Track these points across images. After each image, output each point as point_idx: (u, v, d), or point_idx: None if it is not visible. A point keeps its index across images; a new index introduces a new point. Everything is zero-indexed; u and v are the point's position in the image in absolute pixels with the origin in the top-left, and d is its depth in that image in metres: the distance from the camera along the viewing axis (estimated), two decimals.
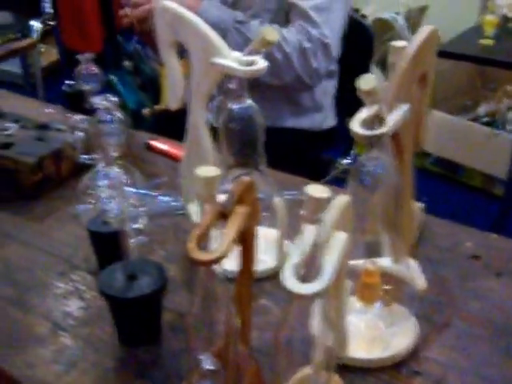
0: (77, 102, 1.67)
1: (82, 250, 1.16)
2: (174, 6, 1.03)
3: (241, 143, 1.02)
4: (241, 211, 0.71)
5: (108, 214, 0.87)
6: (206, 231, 0.69)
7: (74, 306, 1.04)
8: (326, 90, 1.93)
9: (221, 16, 1.60)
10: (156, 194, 1.23)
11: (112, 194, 0.84)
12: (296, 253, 0.65)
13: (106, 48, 1.46)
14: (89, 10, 4.70)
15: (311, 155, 1.98)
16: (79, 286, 1.08)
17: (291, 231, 1.06)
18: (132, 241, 1.06)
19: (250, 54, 0.97)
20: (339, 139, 2.06)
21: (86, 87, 1.07)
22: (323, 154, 2.06)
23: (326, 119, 1.96)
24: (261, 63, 0.95)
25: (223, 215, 0.71)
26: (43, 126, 1.43)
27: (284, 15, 1.72)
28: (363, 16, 3.22)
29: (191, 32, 0.99)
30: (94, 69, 1.06)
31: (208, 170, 0.67)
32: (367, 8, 3.46)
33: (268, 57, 1.48)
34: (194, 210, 1.10)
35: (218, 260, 0.67)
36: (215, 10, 1.61)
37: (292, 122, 1.86)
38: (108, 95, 0.88)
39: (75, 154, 1.05)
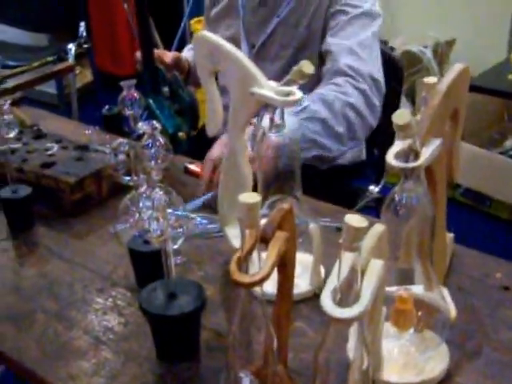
0: (114, 125, 1.73)
1: (121, 268, 1.20)
2: (212, 36, 1.08)
3: (277, 170, 1.07)
4: (281, 236, 0.75)
5: (150, 234, 0.91)
6: (247, 255, 0.73)
7: (113, 322, 1.08)
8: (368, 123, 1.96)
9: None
10: (193, 216, 1.28)
11: (155, 215, 0.88)
12: (334, 278, 0.69)
13: (145, 74, 1.51)
14: (121, 35, 4.81)
15: (340, 184, 2.01)
16: (119, 302, 1.13)
17: (325, 257, 1.10)
18: (179, 258, 1.12)
19: (287, 84, 1.01)
20: (367, 168, 2.10)
21: (128, 112, 1.12)
22: (352, 182, 2.10)
23: (356, 154, 2.00)
24: (297, 94, 0.99)
25: (264, 240, 0.75)
26: (83, 147, 1.49)
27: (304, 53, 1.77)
28: (392, 48, 3.26)
29: (230, 62, 1.04)
30: (136, 95, 1.11)
31: (250, 196, 0.71)
32: (395, 40, 3.50)
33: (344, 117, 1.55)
34: (231, 233, 1.15)
35: (259, 282, 0.71)
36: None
37: None
38: (152, 121, 0.92)
39: (117, 175, 1.10)
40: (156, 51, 1.67)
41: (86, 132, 1.70)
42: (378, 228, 0.71)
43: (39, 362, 1.01)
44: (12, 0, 4.12)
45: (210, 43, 1.05)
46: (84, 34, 3.89)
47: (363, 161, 2.04)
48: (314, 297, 1.09)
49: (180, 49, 2.21)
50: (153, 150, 0.90)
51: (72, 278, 1.20)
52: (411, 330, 0.94)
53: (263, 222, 0.77)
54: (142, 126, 0.96)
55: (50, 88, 4.28)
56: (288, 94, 0.98)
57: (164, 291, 0.97)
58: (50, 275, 1.21)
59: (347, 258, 0.68)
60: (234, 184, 1.11)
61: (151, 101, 1.49)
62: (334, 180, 1.96)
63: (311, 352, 0.96)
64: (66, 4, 3.98)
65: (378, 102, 1.66)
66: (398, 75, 2.03)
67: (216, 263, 1.21)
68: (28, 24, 4.17)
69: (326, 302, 0.68)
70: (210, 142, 1.77)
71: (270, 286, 0.80)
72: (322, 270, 1.12)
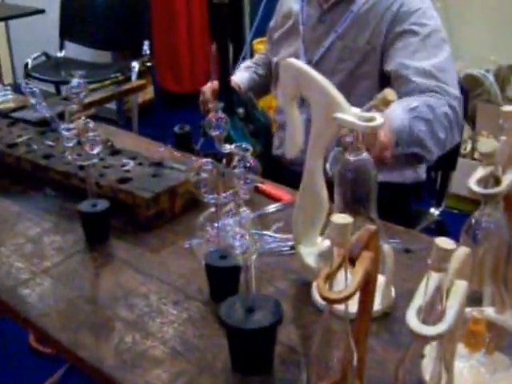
0: (184, 143, 1.78)
1: (195, 282, 1.24)
2: (298, 62, 1.12)
3: (354, 192, 1.10)
4: (367, 256, 0.78)
5: (235, 249, 0.95)
6: (335, 272, 0.76)
7: (189, 333, 1.12)
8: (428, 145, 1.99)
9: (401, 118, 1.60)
10: (267, 233, 1.32)
11: (241, 231, 0.92)
12: (420, 297, 0.72)
13: (221, 95, 1.56)
14: (182, 55, 4.91)
15: (400, 205, 2.03)
16: (193, 315, 1.17)
17: (397, 277, 1.13)
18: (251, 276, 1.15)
19: (369, 110, 1.05)
20: (424, 190, 2.12)
21: (215, 133, 1.16)
22: (411, 204, 2.12)
23: (413, 174, 2.02)
24: (379, 120, 1.03)
25: (350, 259, 0.78)
26: (158, 164, 1.54)
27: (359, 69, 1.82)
28: None
29: (314, 87, 1.08)
30: (223, 117, 1.15)
31: (342, 217, 0.74)
32: (456, 64, 3.50)
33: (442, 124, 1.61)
34: (304, 251, 1.18)
35: (346, 299, 0.74)
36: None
37: (383, 176, 1.91)
38: (244, 143, 0.97)
39: (198, 193, 1.14)
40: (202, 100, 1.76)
41: (159, 149, 1.77)
42: (464, 251, 0.73)
43: (117, 370, 1.06)
44: (78, 18, 4.24)
45: (296, 69, 1.09)
46: (147, 52, 3.99)
47: (421, 182, 2.06)
48: (383, 315, 1.12)
49: None
50: (243, 171, 0.94)
51: (147, 289, 1.24)
52: (482, 351, 0.96)
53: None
54: (232, 147, 1.01)
55: (109, 103, 4.39)
56: (369, 119, 1.02)
57: (243, 305, 1.00)
58: (126, 286, 1.25)
59: (434, 278, 0.71)
60: (311, 204, 1.15)
61: None
62: (394, 200, 1.98)
63: (380, 368, 1.00)
64: (131, 23, 4.08)
65: (461, 120, 1.73)
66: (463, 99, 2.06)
67: (287, 280, 1.24)
68: (93, 42, 4.29)
69: (412, 319, 0.70)
70: (278, 162, 1.82)
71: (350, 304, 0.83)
72: (393, 290, 1.15)
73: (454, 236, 0.82)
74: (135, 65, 3.83)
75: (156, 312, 1.18)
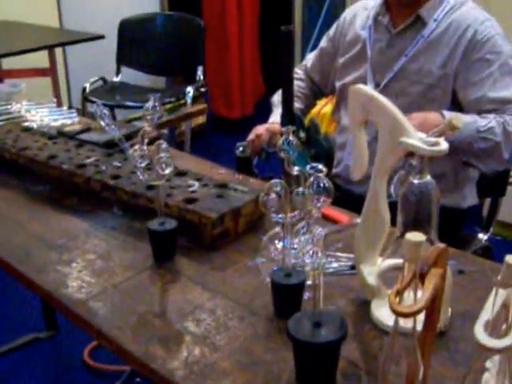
0: (245, 165, 1.85)
1: (259, 298, 1.29)
2: (366, 88, 1.17)
3: (416, 214, 1.14)
4: (436, 273, 0.82)
5: (304, 267, 1.00)
6: (405, 287, 0.81)
7: (254, 347, 1.17)
8: (470, 176, 2.03)
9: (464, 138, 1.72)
10: (328, 253, 1.36)
11: (314, 249, 0.97)
12: (488, 312, 0.76)
13: (283, 119, 1.61)
14: (234, 81, 5.01)
15: (452, 230, 2.06)
16: (258, 330, 1.21)
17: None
18: (307, 294, 1.20)
19: (434, 135, 1.09)
20: (471, 215, 2.15)
21: (285, 155, 1.22)
22: (460, 228, 2.15)
23: (465, 199, 2.05)
24: (443, 144, 1.07)
25: (420, 275, 0.83)
26: (222, 185, 1.59)
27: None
28: None
29: (381, 113, 1.13)
30: (293, 140, 1.21)
31: (415, 235, 0.79)
32: None
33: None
34: (366, 271, 1.23)
35: (417, 313, 0.78)
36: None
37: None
38: (319, 165, 1.02)
39: (267, 213, 1.19)
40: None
41: (220, 172, 1.83)
42: None
43: (188, 381, 1.11)
44: (135, 44, 4.35)
45: (364, 95, 1.15)
46: (201, 77, 4.08)
47: (473, 207, 2.10)
48: (440, 334, 1.15)
49: None
50: (315, 191, 0.99)
51: (214, 305, 1.29)
52: None
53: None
54: (300, 169, 1.06)
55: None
56: (434, 144, 1.06)
57: (310, 321, 1.05)
58: (193, 302, 1.31)
59: (501, 294, 0.75)
60: (373, 225, 1.20)
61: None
62: (446, 224, 2.02)
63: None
64: (186, 50, 4.18)
65: None
66: None
67: (347, 299, 1.29)
68: (149, 67, 4.40)
69: (480, 332, 0.74)
70: (338, 185, 1.87)
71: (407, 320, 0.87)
72: (449, 310, 1.18)
73: (500, 262, 0.85)
74: (190, 90, 3.92)
75: (223, 327, 1.23)
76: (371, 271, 1.22)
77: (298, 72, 2.26)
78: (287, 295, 1.21)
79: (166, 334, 1.22)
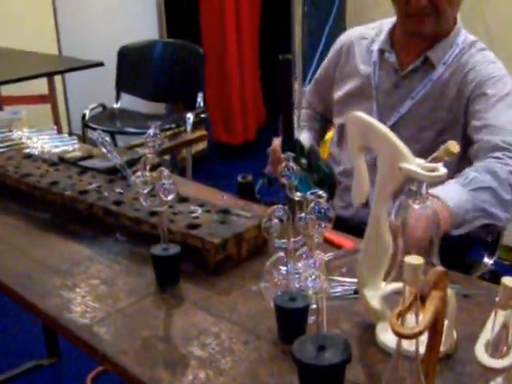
0: (247, 191, 1.87)
1: (263, 323, 1.31)
2: (364, 115, 1.20)
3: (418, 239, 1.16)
4: (436, 295, 0.84)
5: (307, 291, 1.02)
6: (406, 310, 0.83)
7: (259, 371, 1.18)
8: None
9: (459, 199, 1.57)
10: (331, 277, 1.38)
11: (315, 273, 0.99)
12: (487, 333, 0.78)
13: (284, 146, 1.63)
14: (234, 107, 5.05)
15: (455, 255, 2.07)
16: (263, 354, 1.23)
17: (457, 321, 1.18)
18: (311, 318, 1.22)
19: (433, 161, 1.12)
20: (475, 240, 2.17)
21: (286, 181, 1.24)
22: (464, 253, 2.16)
23: None
24: (442, 170, 1.10)
25: (421, 298, 0.85)
26: (225, 211, 1.61)
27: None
28: None
29: (381, 139, 1.16)
30: (294, 166, 1.23)
31: (415, 259, 0.81)
32: None
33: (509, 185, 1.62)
34: (369, 294, 1.24)
35: (418, 335, 0.80)
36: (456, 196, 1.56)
37: None
38: (318, 191, 1.04)
39: (270, 238, 1.21)
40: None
41: (222, 197, 1.85)
42: None
43: None
44: (134, 71, 4.40)
45: (363, 122, 1.17)
46: (202, 104, 4.12)
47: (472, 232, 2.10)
48: (445, 357, 1.17)
49: None
50: (316, 217, 1.01)
51: (218, 329, 1.31)
52: None
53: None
54: (302, 195, 1.09)
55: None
56: (433, 170, 1.09)
57: (314, 344, 1.06)
58: (197, 326, 1.32)
59: (500, 315, 0.77)
60: (375, 249, 1.22)
61: None
62: (450, 248, 2.03)
63: None
64: (185, 76, 4.22)
65: None
66: None
67: (352, 322, 1.30)
68: (148, 93, 4.44)
69: (481, 353, 0.76)
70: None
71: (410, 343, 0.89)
72: (455, 333, 1.20)
73: None
74: (190, 116, 3.95)
75: (227, 351, 1.24)
76: (375, 295, 1.23)
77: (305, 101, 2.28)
78: (292, 319, 1.23)
79: (171, 358, 1.23)
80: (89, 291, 1.47)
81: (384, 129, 1.16)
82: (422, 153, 1.80)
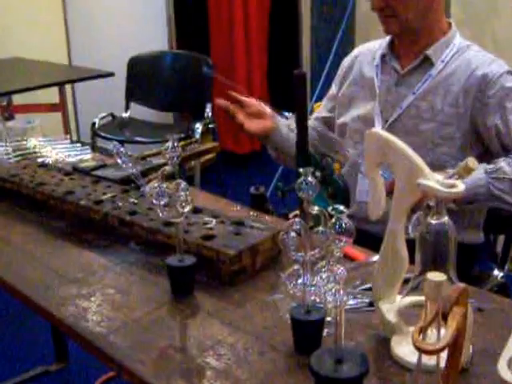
0: (260, 203, 1.88)
1: (278, 334, 1.32)
2: (382, 132, 1.22)
3: (434, 254, 1.17)
4: (458, 311, 0.85)
5: (326, 304, 1.03)
6: (428, 325, 0.84)
7: (275, 382, 1.19)
8: (482, 210, 2.07)
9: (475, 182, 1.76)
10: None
11: (335, 287, 1.00)
12: (510, 349, 0.79)
13: (298, 159, 1.65)
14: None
15: (463, 267, 2.08)
16: (279, 365, 1.24)
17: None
18: (326, 330, 1.23)
19: (451, 177, 1.13)
20: (482, 252, 2.18)
21: (304, 195, 1.25)
22: (473, 265, 2.18)
23: (480, 235, 2.08)
24: (460, 187, 1.11)
25: (443, 314, 0.86)
26: (239, 223, 1.63)
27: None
28: None
29: (398, 155, 1.17)
30: (313, 180, 1.24)
31: (437, 275, 0.82)
32: None
33: None
34: (384, 308, 1.25)
35: (441, 350, 0.81)
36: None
37: None
38: (340, 206, 1.06)
39: (287, 251, 1.22)
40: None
41: (234, 208, 1.87)
42: None
43: None
44: (144, 81, 4.42)
45: (381, 139, 1.19)
46: (210, 114, 4.14)
47: (481, 244, 2.13)
48: (462, 371, 1.17)
49: None
50: (337, 232, 1.03)
51: (234, 340, 1.32)
52: None
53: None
54: (319, 209, 1.10)
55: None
56: (451, 186, 1.10)
57: (331, 356, 1.07)
58: (213, 337, 1.33)
59: None
60: (391, 263, 1.23)
61: None
62: (457, 262, 2.05)
63: None
64: (194, 87, 4.24)
65: None
66: None
67: (366, 335, 1.31)
68: (157, 103, 4.46)
69: (504, 369, 0.77)
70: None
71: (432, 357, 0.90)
72: (470, 347, 1.21)
73: None
74: (199, 126, 3.97)
75: (243, 361, 1.25)
76: (390, 308, 1.24)
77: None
78: (308, 331, 1.24)
79: (187, 369, 1.25)
80: (104, 300, 1.48)
81: (402, 145, 1.17)
82: (424, 145, 1.87)
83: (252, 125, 2.08)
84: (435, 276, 0.82)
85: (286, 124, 2.16)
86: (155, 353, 1.29)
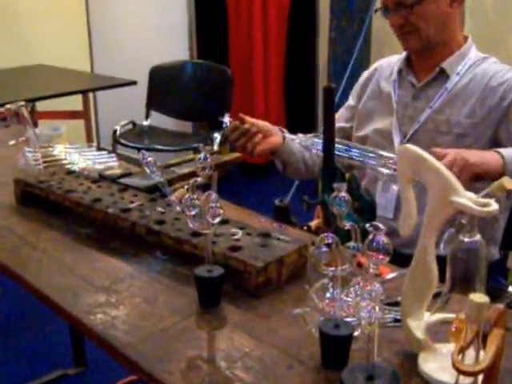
0: (283, 215, 1.89)
1: (306, 348, 1.33)
2: (415, 148, 1.22)
3: (465, 272, 1.18)
4: (497, 333, 0.86)
5: (360, 320, 1.04)
6: (467, 346, 0.85)
7: None
8: (500, 225, 2.08)
9: None
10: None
11: (371, 304, 1.01)
12: None
13: (323, 173, 1.66)
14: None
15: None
16: (307, 380, 1.25)
17: None
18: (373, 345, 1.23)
19: (485, 196, 1.14)
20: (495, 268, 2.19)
21: (337, 210, 1.26)
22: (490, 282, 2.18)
23: (497, 251, 2.09)
24: (494, 206, 1.12)
25: (483, 335, 0.87)
26: (266, 235, 1.64)
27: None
28: None
29: (431, 172, 1.18)
30: (345, 196, 1.25)
31: (479, 297, 0.83)
32: None
33: None
34: (413, 324, 1.26)
35: (481, 372, 0.82)
36: None
37: None
38: (377, 223, 1.07)
39: (318, 265, 1.23)
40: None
41: (260, 220, 1.88)
42: None
43: None
44: (165, 90, 4.45)
45: (414, 155, 1.19)
46: (228, 124, 4.14)
47: (495, 261, 2.13)
48: None
49: None
50: (374, 248, 1.04)
51: (261, 353, 1.33)
52: None
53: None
54: (351, 224, 1.11)
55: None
56: (485, 204, 1.11)
57: (363, 373, 1.08)
58: (240, 349, 1.34)
59: None
60: (421, 279, 1.24)
61: (327, 197, 1.64)
62: None
63: None
64: (214, 96, 4.27)
65: None
66: None
67: (392, 351, 1.31)
68: (177, 112, 4.49)
69: None
70: None
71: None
72: None
73: None
74: (217, 136, 4.00)
75: (272, 375, 1.26)
76: (418, 325, 1.25)
77: None
78: (337, 347, 1.25)
79: (216, 380, 1.26)
80: (132, 309, 1.49)
81: (435, 162, 1.18)
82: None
83: (261, 147, 2.15)
84: (477, 297, 0.83)
85: (293, 138, 2.18)
86: (183, 363, 1.30)
